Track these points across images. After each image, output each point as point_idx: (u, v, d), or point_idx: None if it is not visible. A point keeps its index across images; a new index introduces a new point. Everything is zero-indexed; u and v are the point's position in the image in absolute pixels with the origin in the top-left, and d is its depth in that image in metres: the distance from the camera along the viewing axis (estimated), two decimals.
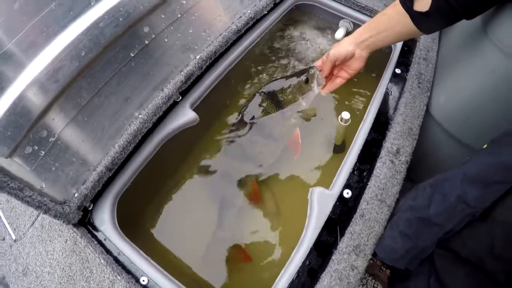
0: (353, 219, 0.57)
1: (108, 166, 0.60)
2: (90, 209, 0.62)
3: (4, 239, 0.65)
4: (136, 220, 0.74)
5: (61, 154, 0.56)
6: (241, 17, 0.78)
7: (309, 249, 0.55)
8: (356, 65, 0.68)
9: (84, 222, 0.61)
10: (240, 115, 0.77)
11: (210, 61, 0.73)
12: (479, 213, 0.49)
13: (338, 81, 0.72)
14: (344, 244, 0.54)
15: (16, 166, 0.51)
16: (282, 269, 0.55)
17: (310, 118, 0.83)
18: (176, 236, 0.74)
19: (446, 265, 0.52)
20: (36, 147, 0.53)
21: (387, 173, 0.62)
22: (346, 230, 0.56)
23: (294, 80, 0.74)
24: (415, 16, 0.55)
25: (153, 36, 0.61)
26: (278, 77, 0.79)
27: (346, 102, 0.92)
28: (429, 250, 0.56)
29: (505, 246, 0.45)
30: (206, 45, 0.72)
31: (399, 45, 0.83)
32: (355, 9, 0.94)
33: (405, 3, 0.56)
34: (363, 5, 0.91)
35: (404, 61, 0.81)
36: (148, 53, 0.62)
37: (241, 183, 0.75)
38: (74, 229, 0.60)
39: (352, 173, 0.63)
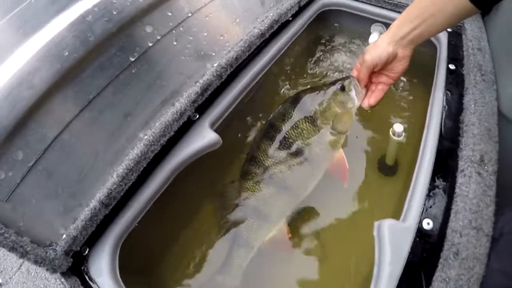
0: (442, 260, 0.40)
1: (104, 201, 0.47)
2: (85, 254, 0.49)
3: None
4: (145, 270, 0.60)
5: (43, 183, 0.45)
6: (263, 20, 0.67)
7: None
8: (400, 66, 0.57)
9: (79, 270, 0.48)
10: (263, 131, 0.62)
11: (231, 69, 0.61)
12: None
13: (380, 88, 0.60)
14: None
15: None
16: None
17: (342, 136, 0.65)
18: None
19: None
20: (10, 173, 0.42)
21: (477, 189, 0.45)
22: (435, 276, 0.39)
23: (327, 89, 0.60)
24: None
25: (158, 38, 0.50)
26: (308, 87, 0.66)
27: (390, 115, 0.77)
28: None
29: None
30: (225, 51, 0.60)
31: (444, 39, 0.73)
32: (387, 8, 0.83)
33: None
34: (396, 2, 0.80)
35: (455, 55, 0.69)
36: (152, 58, 0.50)
37: (265, 218, 0.59)
38: (62, 279, 0.47)
39: (428, 195, 0.46)
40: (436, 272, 0.39)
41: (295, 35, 0.78)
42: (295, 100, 0.61)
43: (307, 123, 0.58)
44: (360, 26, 0.90)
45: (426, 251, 0.42)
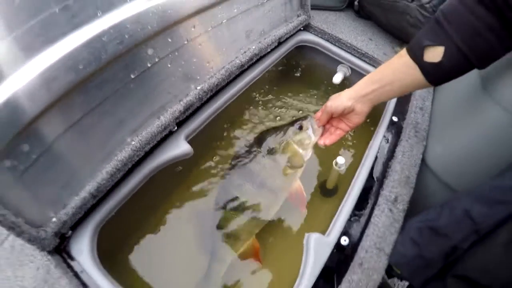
0: (350, 268, 0.54)
1: (93, 193, 0.55)
2: (67, 236, 0.57)
3: None
4: (116, 253, 0.68)
5: (42, 173, 0.51)
6: (245, 52, 0.78)
7: None
8: (356, 119, 0.66)
9: (59, 249, 0.56)
10: (231, 162, 0.74)
11: (211, 93, 0.71)
12: (483, 233, 0.53)
13: (337, 133, 0.69)
14: None
15: None
16: None
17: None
18: (159, 276, 0.67)
19: None
20: (16, 162, 0.47)
21: (386, 221, 0.60)
22: (344, 279, 0.53)
23: (287, 129, 0.71)
24: (425, 67, 0.54)
25: (156, 60, 0.59)
26: (271, 127, 0.77)
27: (340, 148, 0.91)
28: (433, 266, 0.57)
29: None
30: (208, 76, 0.70)
31: None
32: (354, 55, 0.97)
33: (415, 53, 0.55)
34: (363, 52, 0.94)
35: (401, 109, 0.83)
36: (149, 77, 0.59)
37: (234, 236, 0.68)
38: (49, 257, 0.54)
39: (349, 219, 0.61)
40: (345, 276, 0.53)
41: (269, 66, 0.89)
42: (259, 139, 0.73)
43: (269, 160, 0.70)
44: (328, 64, 1.01)
45: (339, 260, 0.56)
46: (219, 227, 0.69)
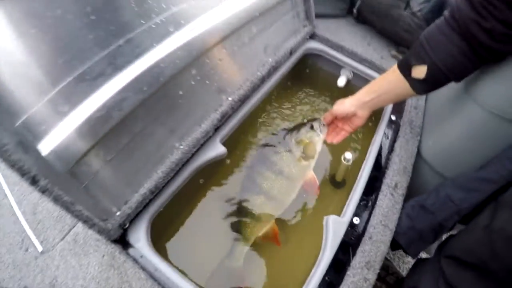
0: (362, 241, 0.67)
1: (152, 190, 0.67)
2: (126, 227, 0.67)
3: (27, 250, 0.65)
4: (164, 240, 0.80)
5: (109, 176, 0.61)
6: (264, 65, 0.90)
7: (327, 266, 0.64)
8: (358, 122, 0.79)
9: (120, 239, 0.65)
10: (255, 153, 0.87)
11: (240, 103, 0.84)
12: (462, 214, 0.66)
13: (342, 133, 0.84)
14: (357, 261, 0.64)
15: (70, 182, 0.55)
16: (304, 285, 0.63)
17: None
18: (188, 258, 0.78)
19: (455, 271, 0.63)
20: (90, 167, 0.57)
21: (388, 203, 0.73)
22: (358, 250, 0.66)
23: (301, 128, 0.86)
24: (413, 82, 0.67)
25: (198, 78, 0.71)
26: (288, 126, 0.91)
27: (348, 145, 1.04)
28: (425, 240, 0.70)
29: (504, 248, 0.55)
30: (236, 88, 0.83)
31: None
32: (355, 60, 1.09)
33: (404, 71, 0.68)
34: (363, 57, 1.07)
35: (398, 108, 0.95)
36: (193, 92, 0.71)
37: (257, 218, 0.78)
38: (113, 245, 0.64)
39: (359, 203, 0.74)
40: (358, 247, 0.67)
41: (284, 74, 1.02)
42: (279, 135, 0.87)
43: (287, 152, 0.83)
44: (332, 69, 1.14)
45: (353, 235, 0.70)
46: (243, 209, 0.80)
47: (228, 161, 0.93)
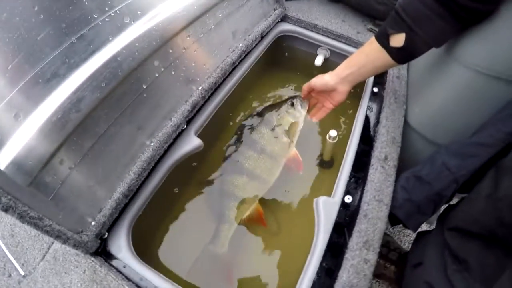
0: (357, 220, 0.63)
1: (125, 193, 0.63)
2: (105, 237, 0.63)
3: (10, 275, 0.62)
4: (147, 244, 0.76)
5: (78, 183, 0.58)
6: (234, 50, 0.86)
7: (323, 252, 0.60)
8: (339, 97, 0.77)
9: (99, 251, 0.62)
10: (235, 135, 0.84)
11: (211, 91, 0.80)
12: (461, 182, 0.63)
13: (324, 109, 0.82)
14: (354, 242, 0.60)
15: (35, 196, 0.52)
16: (301, 273, 0.59)
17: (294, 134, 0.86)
18: (173, 253, 0.75)
19: (461, 243, 0.60)
20: (55, 176, 0.54)
21: (380, 177, 0.69)
22: (354, 230, 0.62)
23: (281, 106, 0.84)
24: (391, 51, 0.65)
25: (162, 70, 0.67)
26: (268, 104, 0.88)
27: (332, 122, 1.01)
28: (423, 212, 0.67)
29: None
30: (206, 76, 0.78)
31: None
32: (331, 38, 1.06)
33: (382, 42, 0.66)
34: (339, 34, 1.03)
35: (380, 80, 0.92)
36: (158, 85, 0.67)
37: (240, 200, 0.76)
38: (92, 259, 0.60)
39: (349, 181, 0.70)
40: (354, 227, 0.62)
41: (257, 58, 0.98)
42: (259, 114, 0.84)
43: (268, 130, 0.81)
44: (309, 48, 1.11)
45: (347, 215, 0.65)
46: (225, 192, 0.77)
47: (210, 153, 0.90)
